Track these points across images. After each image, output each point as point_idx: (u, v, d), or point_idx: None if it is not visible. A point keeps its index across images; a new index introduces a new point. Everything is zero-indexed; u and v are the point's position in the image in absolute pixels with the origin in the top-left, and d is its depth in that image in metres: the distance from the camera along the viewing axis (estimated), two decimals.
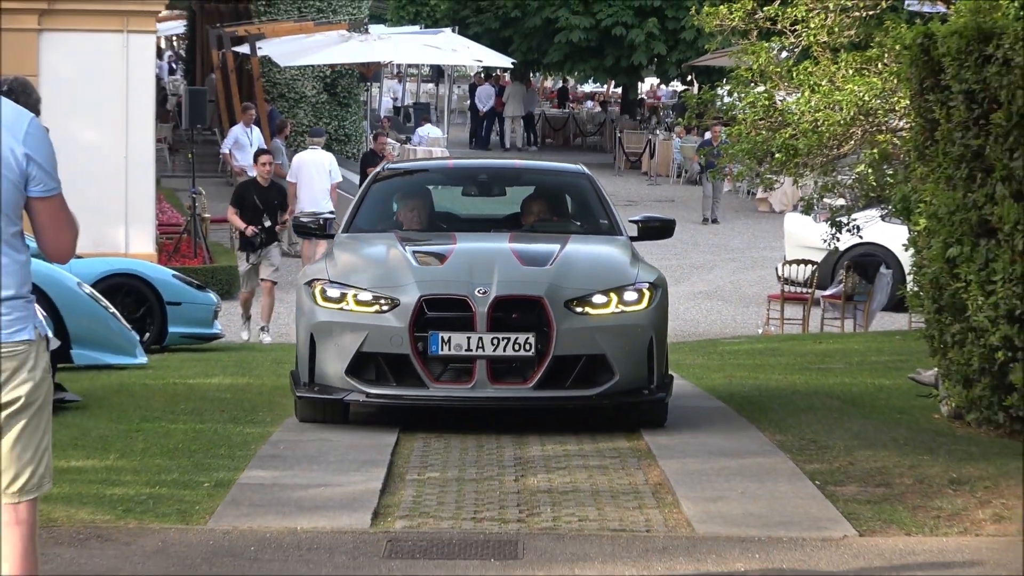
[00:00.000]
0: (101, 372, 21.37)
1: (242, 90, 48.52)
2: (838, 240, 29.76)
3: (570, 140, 78.22)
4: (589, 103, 73.38)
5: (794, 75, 29.27)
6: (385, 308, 11.80)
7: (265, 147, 31.90)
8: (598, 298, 11.96)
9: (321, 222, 15.60)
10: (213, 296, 28.85)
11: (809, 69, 28.39)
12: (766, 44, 30.33)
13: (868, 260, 29.18)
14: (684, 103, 47.20)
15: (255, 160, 28.69)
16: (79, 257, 27.95)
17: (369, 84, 55.75)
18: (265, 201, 28.27)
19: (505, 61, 60.82)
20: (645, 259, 14.38)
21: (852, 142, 28.29)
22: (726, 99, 32.91)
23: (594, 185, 15.85)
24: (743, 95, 29.48)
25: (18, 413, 7.63)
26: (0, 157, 7.63)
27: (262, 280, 28.89)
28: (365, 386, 11.44)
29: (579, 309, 11.99)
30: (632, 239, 15.27)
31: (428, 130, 54.97)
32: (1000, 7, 16.74)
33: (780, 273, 33.99)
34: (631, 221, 16.08)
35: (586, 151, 79.38)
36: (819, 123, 27.21)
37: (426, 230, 15.28)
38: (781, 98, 29.88)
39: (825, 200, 31.07)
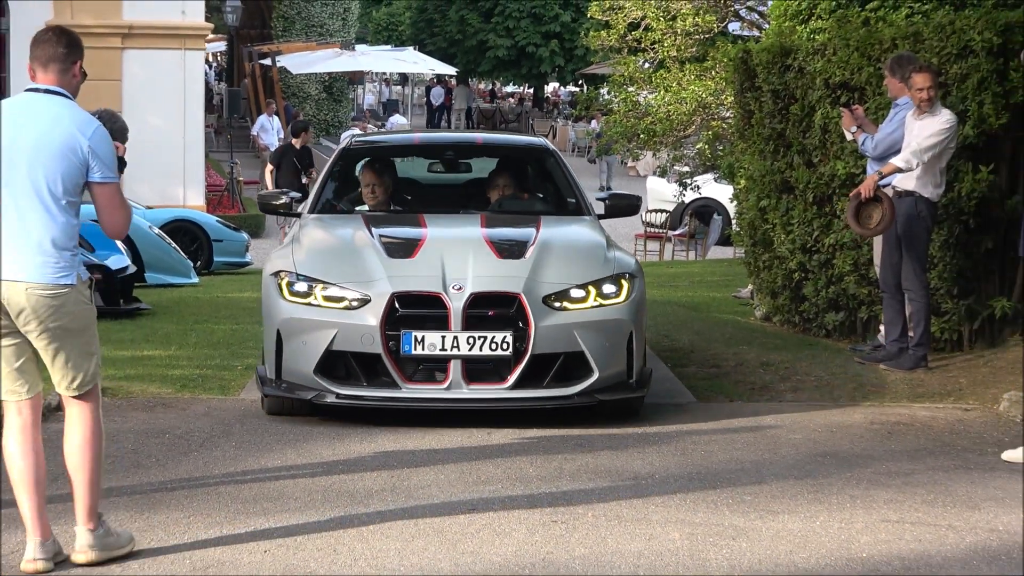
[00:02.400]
0: (166, 289, 21.67)
1: (266, 90, 48.71)
2: (684, 195, 30.20)
3: (496, 126, 77.77)
4: (510, 100, 73.23)
5: (653, 80, 29.51)
6: (355, 304, 9.70)
7: (305, 122, 31.92)
8: (576, 292, 9.91)
9: (287, 199, 12.57)
10: (245, 235, 29.50)
11: (664, 76, 28.62)
12: (633, 58, 30.50)
13: (705, 209, 29.74)
14: (577, 100, 48.87)
15: (297, 133, 28.47)
16: (150, 208, 28.03)
17: (355, 86, 55.90)
18: (301, 161, 26.98)
19: (451, 70, 61.89)
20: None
21: (693, 127, 28.59)
22: (606, 96, 33.40)
23: (558, 159, 13.24)
24: (618, 94, 29.91)
25: (63, 335, 7.57)
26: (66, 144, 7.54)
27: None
28: (335, 386, 9.62)
29: (557, 305, 9.84)
30: (599, 216, 12.79)
31: (396, 119, 55.74)
32: (796, 32, 16.75)
33: (643, 219, 33.89)
34: (598, 199, 13.29)
35: (509, 134, 78.83)
36: (670, 113, 27.61)
37: (393, 205, 12.53)
38: (644, 96, 30.06)
39: (675, 167, 31.12)
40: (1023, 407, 11.81)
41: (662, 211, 35.07)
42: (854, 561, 7.91)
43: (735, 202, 20.74)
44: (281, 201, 12.95)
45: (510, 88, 71.39)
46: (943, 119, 13.38)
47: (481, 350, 9.74)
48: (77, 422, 7.70)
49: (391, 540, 8.15)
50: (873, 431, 11.69)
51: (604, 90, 36.85)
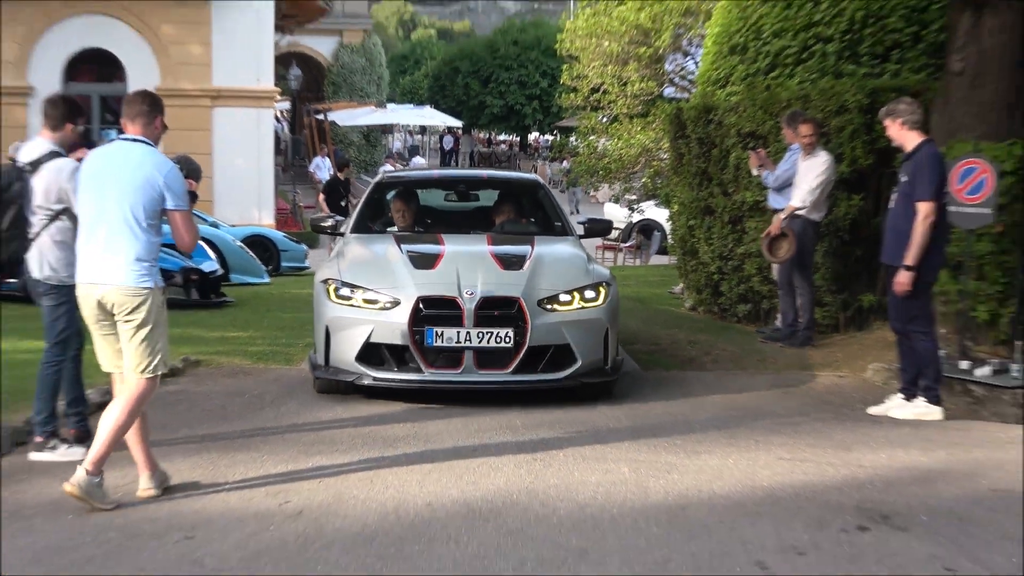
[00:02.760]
0: (245, 287, 21.59)
1: (319, 138, 48.47)
2: (632, 216, 30.75)
3: (492, 165, 76.75)
4: (503, 145, 72.39)
5: (609, 131, 29.68)
6: (388, 306, 9.55)
7: (347, 160, 32.63)
8: (564, 297, 9.78)
9: (334, 223, 12.60)
10: (304, 247, 29.28)
11: (617, 127, 28.79)
12: (594, 114, 30.73)
13: (647, 227, 29.61)
14: (552, 145, 49.39)
15: (341, 168, 29.05)
16: (234, 226, 28.47)
17: (386, 135, 56.11)
18: (346, 189, 27.05)
19: (458, 123, 60.96)
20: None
21: (639, 165, 28.68)
22: (573, 143, 33.70)
23: (547, 191, 13.24)
24: (583, 141, 30.23)
25: (140, 327, 7.67)
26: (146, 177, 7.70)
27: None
28: (372, 370, 9.47)
29: (549, 307, 9.72)
30: (580, 237, 12.65)
31: (417, 160, 55.67)
32: (716, 94, 16.90)
33: None
34: (578, 223, 13.15)
35: (508, 171, 77.13)
36: (622, 156, 27.82)
37: (418, 227, 12.34)
38: (602, 143, 30.22)
39: (625, 195, 31.20)
40: (884, 375, 12.03)
41: (616, 228, 35.11)
42: (757, 489, 8.01)
43: (670, 222, 21.10)
44: (328, 224, 12.84)
45: (502, 137, 70.74)
46: (822, 160, 13.68)
47: (488, 343, 9.63)
48: (126, 395, 7.73)
49: (413, 474, 8.26)
50: (772, 392, 11.81)
51: (572, 138, 37.13)
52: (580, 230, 13.06)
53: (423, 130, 60.12)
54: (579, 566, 6.48)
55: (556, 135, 61.50)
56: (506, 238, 11.56)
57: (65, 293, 8.71)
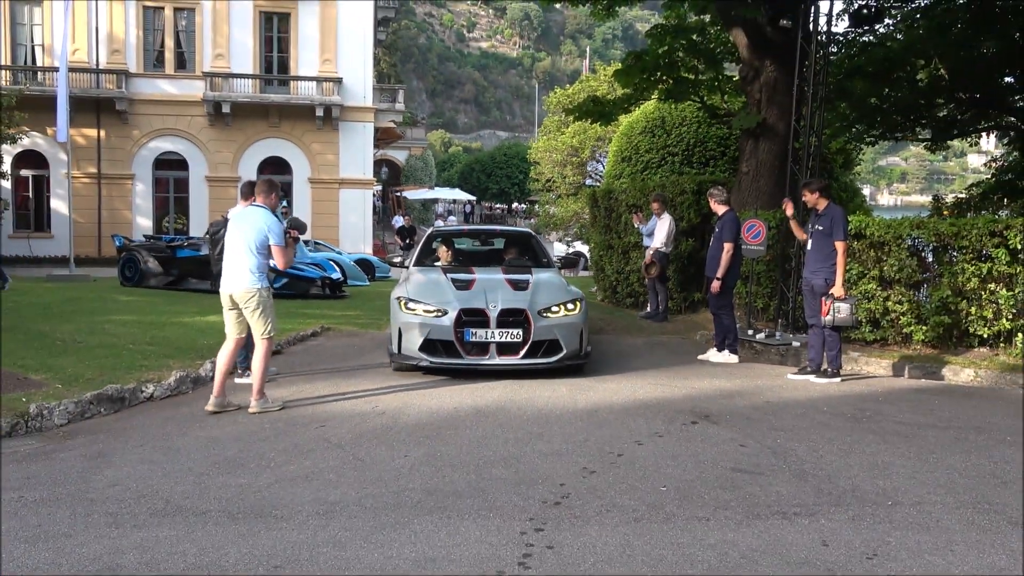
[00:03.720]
0: (355, 288, 21.28)
1: (397, 205, 48.02)
2: (568, 249, 30.02)
3: (494, 222, 75.28)
4: (497, 210, 71.29)
5: (555, 202, 29.48)
6: (440, 315, 8.77)
7: (410, 215, 32.35)
8: (555, 308, 9.06)
9: (401, 260, 12.18)
10: (388, 266, 27.58)
11: (560, 200, 28.45)
12: (548, 193, 30.32)
13: (577, 254, 28.98)
14: (527, 211, 47.66)
15: (405, 215, 28.62)
16: (350, 253, 28.02)
17: (435, 204, 55.43)
18: (411, 233, 25.83)
19: (473, 197, 60.38)
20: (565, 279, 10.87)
21: (573, 221, 28.42)
22: (537, 208, 33.20)
23: (537, 239, 12.11)
24: (542, 208, 29.67)
25: (254, 311, 7.49)
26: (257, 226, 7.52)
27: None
28: (429, 356, 8.71)
29: (545, 315, 8.96)
30: (560, 268, 11.72)
31: (452, 219, 54.41)
32: (614, 183, 16.68)
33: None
34: (556, 258, 12.32)
35: (508, 226, 76.57)
36: (563, 217, 27.37)
37: (456, 262, 11.34)
38: (552, 209, 29.99)
39: (564, 237, 30.98)
40: (705, 337, 11.75)
41: (560, 257, 34.86)
42: (636, 400, 7.87)
43: (590, 252, 20.76)
44: (397, 260, 11.99)
45: (498, 205, 70.09)
46: (667, 221, 13.42)
47: (506, 338, 8.81)
48: (259, 349, 7.58)
49: (447, 392, 8.14)
50: (645, 345, 11.51)
51: (536, 206, 37.38)
52: (558, 263, 12.13)
53: (454, 201, 59.55)
54: (537, 443, 6.38)
55: (527, 204, 61.26)
56: (513, 269, 10.57)
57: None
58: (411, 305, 9.13)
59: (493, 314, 8.91)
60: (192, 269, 18.82)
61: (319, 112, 33.24)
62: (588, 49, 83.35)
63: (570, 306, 9.32)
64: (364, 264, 26.42)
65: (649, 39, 14.56)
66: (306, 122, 33.75)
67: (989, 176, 19.20)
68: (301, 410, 7.50)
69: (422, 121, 69.98)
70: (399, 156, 57.81)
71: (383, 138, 42.71)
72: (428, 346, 8.92)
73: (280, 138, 33.79)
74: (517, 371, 9.01)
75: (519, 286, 9.55)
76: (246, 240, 7.51)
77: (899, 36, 15.33)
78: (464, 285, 9.50)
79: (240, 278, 7.52)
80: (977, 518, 4.92)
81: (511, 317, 8.95)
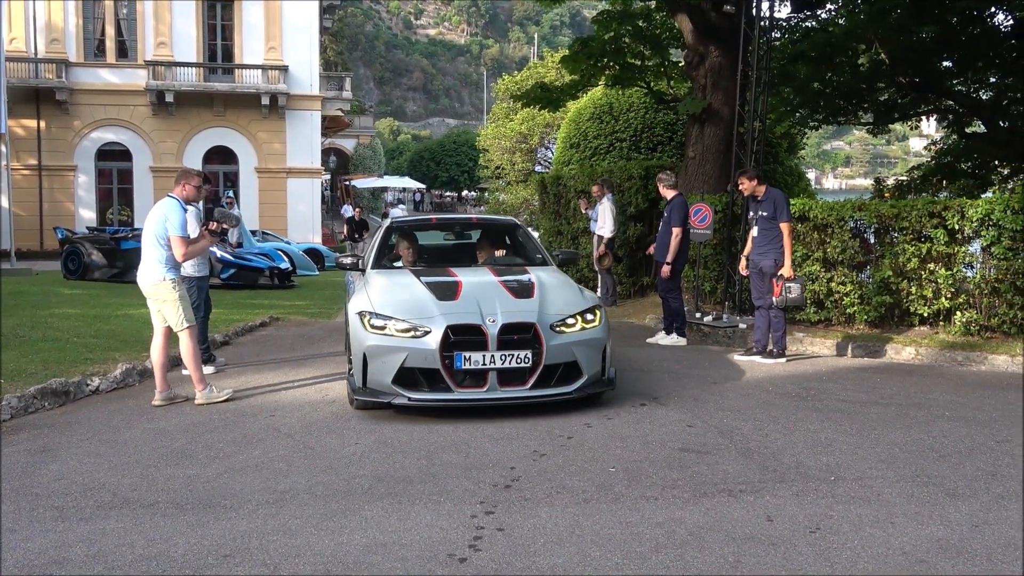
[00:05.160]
0: (304, 277, 21.05)
1: (346, 194, 47.62)
2: None
3: (443, 210, 74.60)
4: (447, 198, 70.68)
5: (505, 189, 29.43)
6: (420, 335, 6.80)
7: (352, 213, 31.16)
8: (571, 320, 7.06)
9: (353, 260, 8.83)
10: (337, 254, 27.26)
11: (509, 187, 28.49)
12: (497, 180, 30.31)
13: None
14: (476, 198, 47.32)
15: (355, 209, 27.76)
16: (299, 243, 27.65)
17: (384, 192, 55.04)
18: (360, 227, 24.40)
19: (423, 186, 59.98)
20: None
21: (523, 208, 28.45)
22: (487, 196, 33.08)
23: (524, 229, 9.69)
24: (491, 195, 29.61)
25: (163, 303, 7.34)
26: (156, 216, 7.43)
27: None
28: (406, 391, 6.79)
29: (560, 329, 6.89)
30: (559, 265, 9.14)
31: (402, 207, 53.58)
32: (563, 169, 16.74)
33: None
34: (552, 255, 9.23)
35: (488, 215, 76.00)
36: (512, 203, 27.36)
37: (424, 262, 8.88)
38: (501, 196, 29.97)
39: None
40: (655, 320, 11.88)
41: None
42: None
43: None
44: (348, 261, 8.43)
45: (447, 193, 69.57)
46: (609, 205, 13.37)
47: (510, 364, 6.65)
48: (182, 342, 7.45)
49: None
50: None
51: (486, 194, 37.29)
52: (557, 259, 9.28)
53: (404, 189, 59.04)
54: (487, 428, 6.38)
55: (477, 192, 61.20)
56: (505, 269, 8.25)
57: (190, 282, 8.56)
58: (378, 322, 6.89)
59: (492, 331, 6.70)
60: (137, 261, 18.46)
61: (265, 101, 32.91)
62: (536, 36, 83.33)
63: (589, 316, 7.18)
64: (313, 254, 26.21)
65: (596, 25, 14.64)
66: (252, 111, 33.38)
67: (929, 159, 19.60)
68: (250, 400, 7.45)
69: (370, 109, 69.44)
70: (347, 145, 57.24)
71: (331, 127, 42.28)
72: (405, 377, 6.73)
73: (226, 127, 33.37)
74: (525, 406, 6.88)
75: (520, 291, 7.35)
76: (152, 232, 7.36)
77: (841, 21, 15.55)
78: (447, 292, 7.29)
79: (147, 270, 7.38)
80: (916, 491, 5.01)
81: (516, 334, 6.77)
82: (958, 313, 9.81)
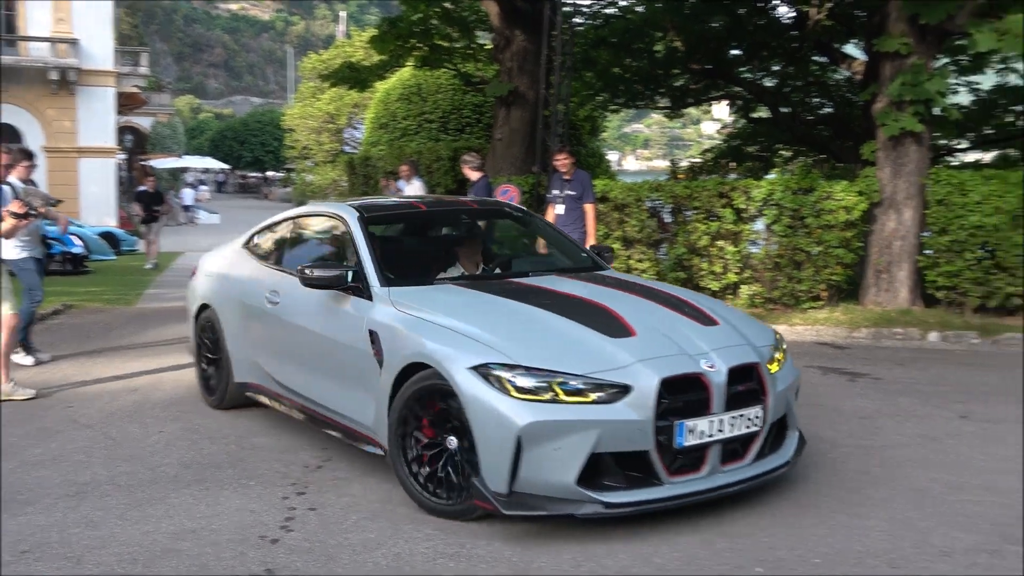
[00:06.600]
0: (100, 262, 19.76)
1: (144, 174, 45.26)
2: None
3: (246, 192, 71.91)
4: (252, 179, 67.59)
5: (312, 171, 29.02)
6: (613, 396, 3.93)
7: (145, 187, 29.00)
8: (776, 355, 4.62)
9: (341, 273, 4.94)
10: (135, 238, 24.62)
11: (317, 168, 28.06)
12: (304, 161, 29.88)
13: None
14: (284, 180, 44.98)
15: (146, 176, 24.60)
16: (93, 225, 26.08)
17: (183, 173, 52.24)
18: (154, 200, 19.68)
19: (227, 166, 57.44)
20: None
21: (331, 189, 28.10)
22: (293, 177, 32.30)
23: (541, 219, 6.73)
24: (298, 177, 29.13)
25: None
26: None
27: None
28: (598, 493, 3.90)
29: (773, 370, 4.49)
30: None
31: (202, 188, 51.41)
32: (371, 150, 16.67)
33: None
34: (584, 254, 6.00)
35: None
36: (320, 184, 26.91)
37: (420, 270, 5.35)
38: (309, 177, 29.51)
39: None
40: None
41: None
42: None
43: None
44: (332, 274, 4.95)
45: (252, 174, 67.07)
46: (417, 186, 12.99)
47: (740, 430, 4.25)
48: (3, 329, 7.10)
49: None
50: None
51: (292, 175, 36.42)
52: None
53: (206, 170, 56.91)
54: None
55: (284, 172, 59.87)
56: (588, 276, 5.48)
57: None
58: (529, 382, 4.02)
59: (717, 380, 4.24)
60: None
61: (53, 76, 31.07)
62: (343, 14, 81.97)
63: (784, 346, 4.94)
64: (109, 237, 24.99)
65: (404, 6, 14.63)
66: (39, 86, 31.44)
67: (721, 142, 20.69)
68: (46, 392, 7.12)
69: (168, 86, 66.54)
70: (144, 123, 54.55)
71: (126, 104, 40.43)
72: (596, 470, 4.05)
73: (10, 103, 31.32)
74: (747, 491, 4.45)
75: (694, 313, 4.84)
76: None
77: (639, 9, 16.18)
78: (608, 324, 4.49)
79: None
80: None
81: (741, 383, 4.36)
82: (743, 287, 10.45)
